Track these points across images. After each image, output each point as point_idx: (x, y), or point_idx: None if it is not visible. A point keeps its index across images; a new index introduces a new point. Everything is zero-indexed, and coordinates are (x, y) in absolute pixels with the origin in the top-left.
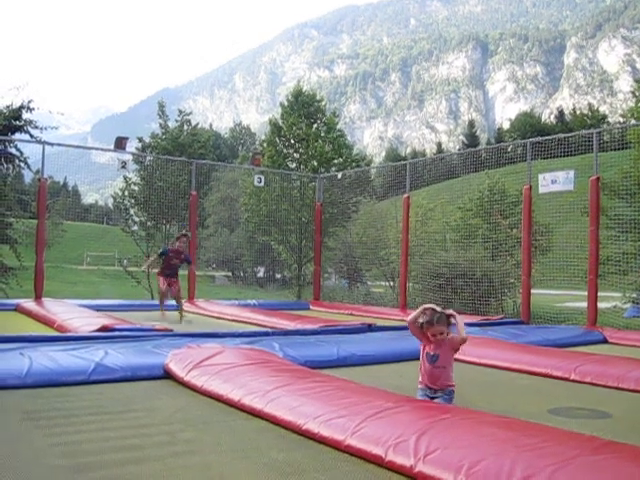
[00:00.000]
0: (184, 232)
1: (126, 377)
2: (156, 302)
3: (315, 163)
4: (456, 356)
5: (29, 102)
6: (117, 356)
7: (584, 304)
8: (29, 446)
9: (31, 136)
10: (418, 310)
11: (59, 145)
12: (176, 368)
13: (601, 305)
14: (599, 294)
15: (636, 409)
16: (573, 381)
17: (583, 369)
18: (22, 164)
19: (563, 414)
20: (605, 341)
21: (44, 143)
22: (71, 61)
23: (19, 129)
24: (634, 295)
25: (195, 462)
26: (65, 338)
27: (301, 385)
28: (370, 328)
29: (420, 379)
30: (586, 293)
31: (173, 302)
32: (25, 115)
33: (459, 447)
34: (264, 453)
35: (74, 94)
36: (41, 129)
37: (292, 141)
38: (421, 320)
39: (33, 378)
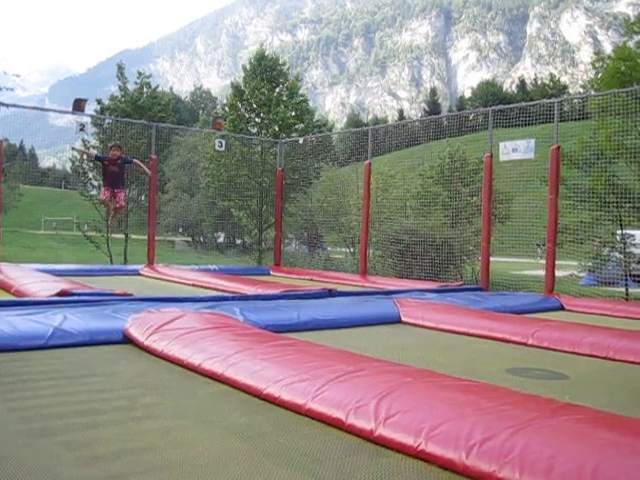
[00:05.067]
0: (114, 143)
1: (85, 342)
2: (116, 267)
3: (277, 128)
4: (415, 321)
5: None
6: (76, 320)
7: (541, 272)
8: None
9: None
10: None
11: (15, 106)
12: (136, 333)
13: (558, 273)
14: (556, 262)
15: (591, 372)
16: (531, 346)
17: (540, 334)
18: None
19: (521, 374)
20: (562, 308)
21: None
22: (27, 19)
23: None
24: (590, 264)
25: (156, 426)
26: (23, 303)
27: (262, 349)
28: (331, 293)
29: None
30: (544, 261)
31: (133, 266)
32: None
33: (419, 411)
34: (225, 417)
35: (30, 54)
36: None
37: (254, 105)
38: None
39: None
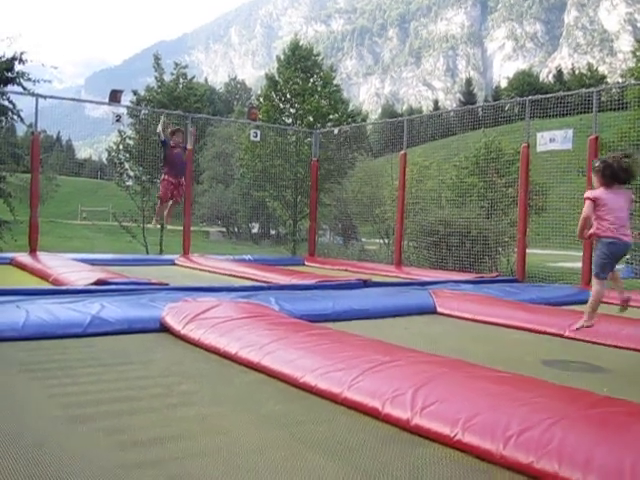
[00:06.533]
0: (177, 128)
1: (122, 330)
2: (152, 257)
3: (311, 118)
4: (450, 312)
5: (22, 54)
6: (113, 309)
7: (578, 264)
8: (28, 398)
9: (24, 88)
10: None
11: (53, 98)
12: (172, 321)
13: None
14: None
15: (629, 365)
16: (567, 338)
17: None
18: (15, 117)
19: (557, 366)
20: None
21: (37, 96)
22: (63, 12)
23: (11, 81)
24: (627, 256)
25: (192, 414)
26: (61, 291)
27: (298, 338)
28: (366, 284)
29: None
30: (580, 253)
31: (169, 256)
32: (18, 67)
33: (456, 401)
34: (262, 405)
35: (67, 46)
36: (34, 82)
37: (288, 96)
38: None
39: (30, 330)
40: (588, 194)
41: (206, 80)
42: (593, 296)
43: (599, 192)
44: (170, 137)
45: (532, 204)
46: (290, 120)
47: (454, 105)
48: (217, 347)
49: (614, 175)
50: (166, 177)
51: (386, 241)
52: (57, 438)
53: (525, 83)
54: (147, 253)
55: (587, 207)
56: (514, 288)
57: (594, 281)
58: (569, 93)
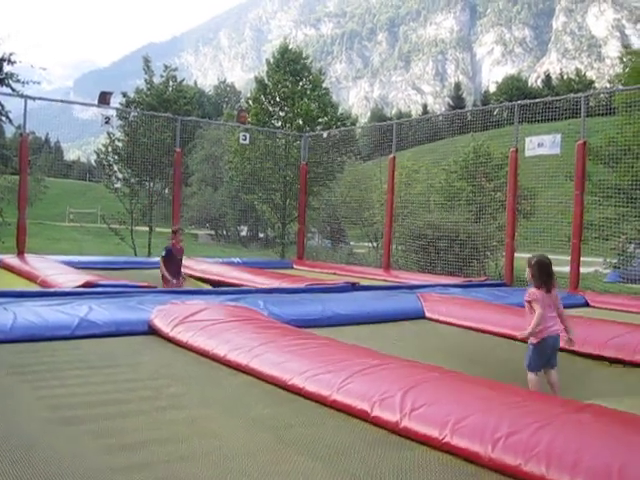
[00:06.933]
0: (178, 227)
1: (110, 332)
2: (140, 259)
3: (300, 122)
4: (438, 316)
5: (10, 55)
6: (101, 311)
7: (566, 268)
8: (17, 400)
9: (12, 90)
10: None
11: (41, 99)
12: (161, 324)
13: (582, 270)
14: (580, 259)
15: (613, 373)
16: None
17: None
18: (3, 118)
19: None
20: (587, 304)
21: (26, 97)
22: (52, 13)
23: (0, 82)
24: (615, 260)
25: (181, 416)
26: (49, 293)
27: (286, 342)
28: (354, 287)
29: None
30: (568, 257)
31: (157, 259)
32: (6, 68)
33: (445, 403)
34: (250, 408)
35: (56, 48)
36: (23, 83)
37: (277, 99)
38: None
39: (18, 332)
40: (533, 296)
41: (195, 83)
42: (530, 388)
43: (536, 292)
44: (172, 237)
45: (520, 208)
46: (279, 123)
47: (443, 109)
48: (206, 349)
49: (549, 276)
50: (174, 281)
51: (375, 244)
52: (46, 440)
53: (514, 88)
54: (135, 255)
55: (539, 306)
56: (502, 292)
57: (528, 374)
58: (557, 98)
